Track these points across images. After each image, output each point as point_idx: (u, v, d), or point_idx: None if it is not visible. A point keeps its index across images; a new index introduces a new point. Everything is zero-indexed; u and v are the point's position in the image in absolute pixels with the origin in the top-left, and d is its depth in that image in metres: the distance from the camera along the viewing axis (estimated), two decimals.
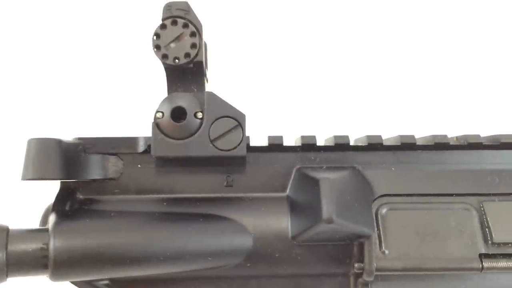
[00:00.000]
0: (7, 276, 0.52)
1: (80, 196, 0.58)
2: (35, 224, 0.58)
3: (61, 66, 0.84)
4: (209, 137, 0.55)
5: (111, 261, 0.52)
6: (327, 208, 0.53)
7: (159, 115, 0.55)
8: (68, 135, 0.57)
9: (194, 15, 0.55)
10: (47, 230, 0.53)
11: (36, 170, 0.53)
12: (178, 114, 0.55)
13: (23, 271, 0.52)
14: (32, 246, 0.52)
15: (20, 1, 0.86)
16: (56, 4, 0.86)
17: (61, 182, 0.57)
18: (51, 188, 0.57)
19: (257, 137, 0.59)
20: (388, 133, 0.61)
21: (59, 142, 0.54)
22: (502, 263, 0.54)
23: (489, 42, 0.87)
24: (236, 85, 0.82)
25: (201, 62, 0.55)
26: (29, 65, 0.85)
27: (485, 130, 0.62)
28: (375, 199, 0.56)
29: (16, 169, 0.55)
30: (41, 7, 0.86)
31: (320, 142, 0.59)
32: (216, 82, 0.66)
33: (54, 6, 0.86)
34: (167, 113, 0.55)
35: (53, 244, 0.52)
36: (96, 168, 0.57)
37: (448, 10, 0.87)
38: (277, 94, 0.83)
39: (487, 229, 0.55)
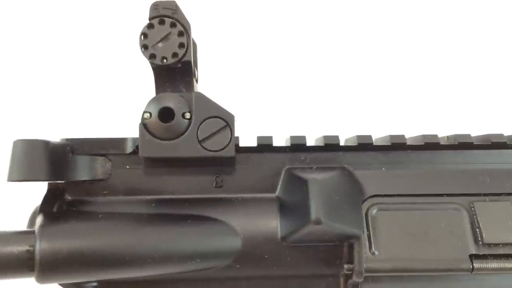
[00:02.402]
0: None
1: (68, 197, 0.58)
2: (23, 226, 0.58)
3: (49, 67, 0.84)
4: (197, 137, 0.55)
5: (99, 264, 0.52)
6: (315, 209, 0.52)
7: (146, 115, 0.54)
8: (56, 136, 0.57)
9: (182, 14, 0.54)
10: (33, 232, 0.53)
11: (22, 171, 0.52)
12: (166, 114, 0.54)
13: (9, 273, 0.52)
14: (18, 248, 0.51)
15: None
16: (40, 8, 0.85)
17: (49, 183, 0.57)
18: (39, 189, 0.57)
19: (247, 138, 0.59)
20: (379, 133, 0.61)
21: (46, 143, 0.53)
22: (493, 264, 0.54)
23: (477, 41, 0.87)
24: (226, 84, 0.81)
25: (189, 62, 0.55)
26: (16, 67, 0.84)
27: (475, 129, 0.61)
28: (365, 200, 0.56)
29: (1, 170, 0.55)
30: (23, 12, 0.85)
31: (310, 142, 0.59)
32: (205, 82, 0.65)
33: (37, 11, 0.85)
34: (155, 113, 0.54)
35: (39, 246, 0.51)
36: (84, 169, 0.57)
37: (438, 13, 0.87)
38: (267, 94, 0.83)
39: (477, 230, 0.55)
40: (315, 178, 0.55)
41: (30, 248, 0.51)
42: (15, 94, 0.83)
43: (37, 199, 0.57)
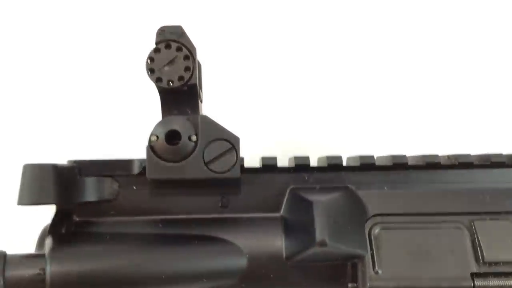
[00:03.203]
0: None
1: (76, 218, 0.58)
2: (32, 244, 0.59)
3: (55, 88, 0.84)
4: (203, 159, 0.55)
5: (107, 285, 0.53)
6: (320, 232, 0.53)
7: (153, 138, 0.55)
8: (64, 158, 0.58)
9: (188, 38, 0.55)
10: (43, 255, 0.54)
11: (31, 195, 0.53)
12: (172, 137, 0.55)
13: None
14: (29, 271, 0.53)
15: None
16: (46, 25, 0.86)
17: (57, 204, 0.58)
18: (47, 209, 0.58)
19: (251, 158, 0.60)
20: (380, 153, 0.62)
21: (54, 167, 0.54)
22: (494, 282, 0.54)
23: (477, 60, 0.87)
24: (230, 105, 0.82)
25: (195, 85, 0.56)
26: (22, 89, 0.85)
27: (475, 149, 0.62)
28: (368, 219, 0.57)
29: (11, 194, 0.56)
30: (30, 29, 0.86)
31: (313, 163, 0.60)
32: (210, 103, 0.66)
33: (42, 27, 0.86)
34: (162, 136, 0.55)
35: (50, 269, 0.52)
36: (91, 190, 0.58)
37: (435, 28, 0.88)
38: (270, 115, 0.84)
39: (478, 248, 0.55)
40: (320, 199, 0.56)
41: (41, 271, 0.52)
42: (23, 118, 0.84)
43: (44, 216, 0.58)
